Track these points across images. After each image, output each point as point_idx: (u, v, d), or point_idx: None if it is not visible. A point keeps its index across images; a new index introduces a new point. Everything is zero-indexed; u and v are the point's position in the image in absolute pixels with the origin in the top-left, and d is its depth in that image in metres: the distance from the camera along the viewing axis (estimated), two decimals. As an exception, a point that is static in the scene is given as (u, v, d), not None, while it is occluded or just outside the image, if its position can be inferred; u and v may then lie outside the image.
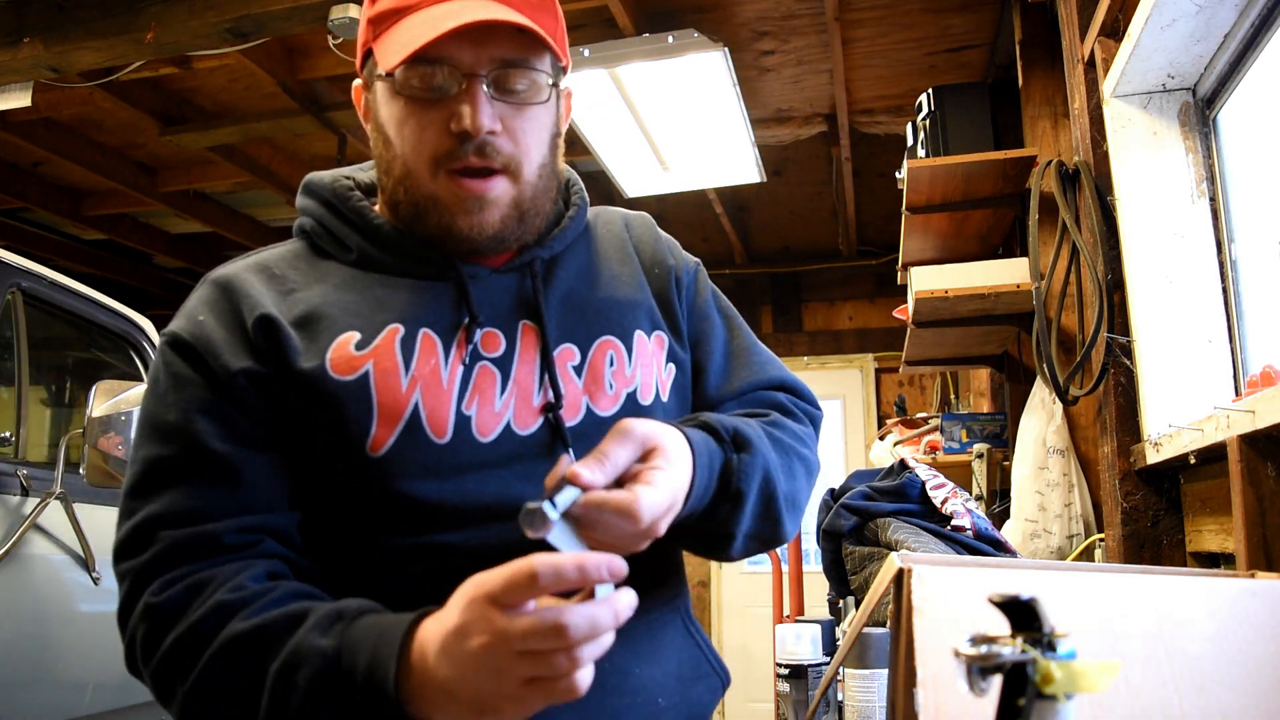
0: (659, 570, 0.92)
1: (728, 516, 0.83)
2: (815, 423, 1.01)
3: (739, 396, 0.97)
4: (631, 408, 0.89)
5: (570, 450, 0.85)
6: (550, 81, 0.86)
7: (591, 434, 0.84)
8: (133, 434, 0.84)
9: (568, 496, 0.67)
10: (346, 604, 0.73)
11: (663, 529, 0.73)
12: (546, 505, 0.66)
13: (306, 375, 0.80)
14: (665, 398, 0.93)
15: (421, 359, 0.83)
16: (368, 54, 0.88)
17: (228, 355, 0.81)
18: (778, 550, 3.14)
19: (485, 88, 0.82)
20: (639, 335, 0.92)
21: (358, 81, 0.92)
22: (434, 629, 0.67)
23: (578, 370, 0.88)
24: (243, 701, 0.71)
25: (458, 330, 0.85)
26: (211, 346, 0.82)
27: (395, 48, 0.82)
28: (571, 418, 0.87)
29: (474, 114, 0.80)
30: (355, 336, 0.83)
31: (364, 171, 0.96)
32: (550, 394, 0.86)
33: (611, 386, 0.89)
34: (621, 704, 0.83)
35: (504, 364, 0.86)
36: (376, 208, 0.92)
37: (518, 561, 0.62)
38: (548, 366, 0.86)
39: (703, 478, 0.79)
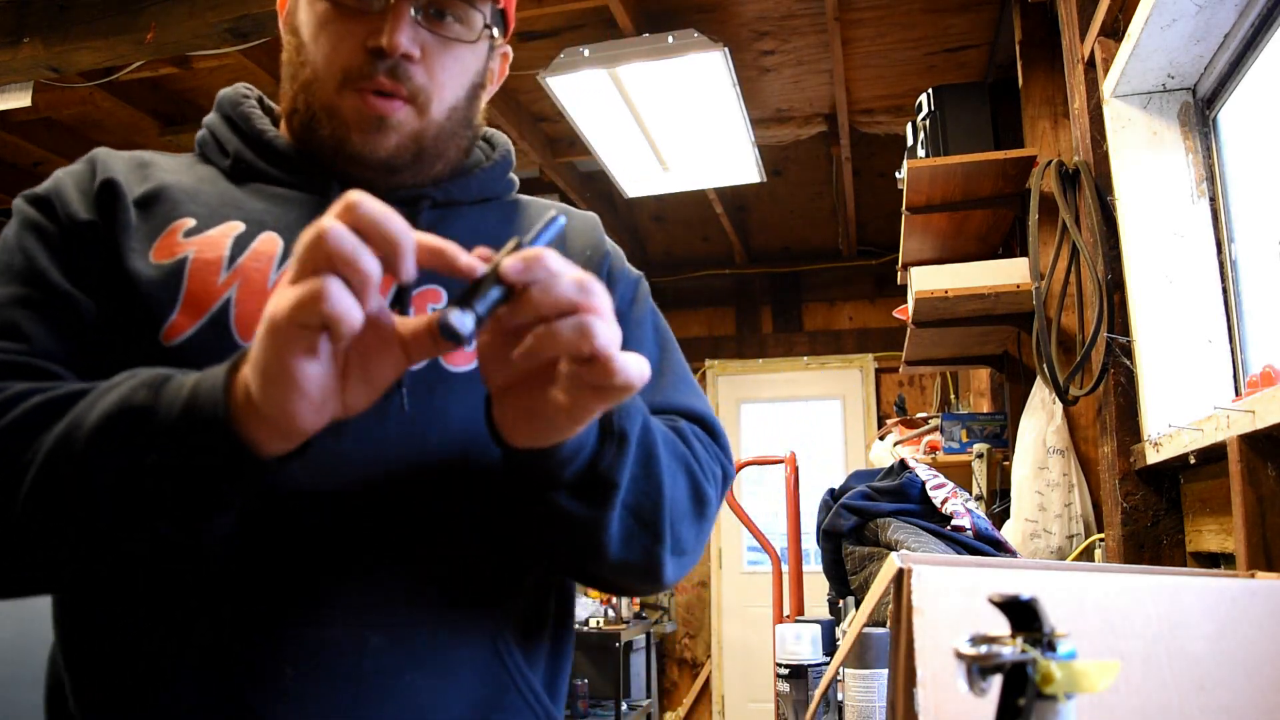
0: (470, 587, 0.76)
1: (613, 461, 0.68)
2: (724, 471, 0.84)
3: (655, 414, 0.82)
4: None
5: (404, 391, 0.73)
6: (485, 23, 0.82)
7: (430, 383, 0.75)
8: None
9: (490, 299, 0.54)
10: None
11: (625, 373, 0.56)
12: (456, 314, 0.52)
13: (126, 250, 0.76)
14: None
15: (251, 257, 0.76)
16: None
17: (76, 206, 0.78)
18: (777, 550, 3.14)
19: (412, 11, 0.77)
20: None
21: None
22: None
23: None
24: (19, 475, 0.61)
25: None
26: (63, 197, 0.78)
27: None
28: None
29: (392, 32, 0.76)
30: (189, 224, 0.78)
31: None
32: None
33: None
34: (388, 713, 0.70)
35: None
36: (281, 130, 0.87)
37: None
38: (399, 300, 0.77)
39: None
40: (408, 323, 0.57)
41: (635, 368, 0.57)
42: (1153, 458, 1.65)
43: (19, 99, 2.97)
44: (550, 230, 0.61)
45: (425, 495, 0.73)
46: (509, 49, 0.90)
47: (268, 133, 0.84)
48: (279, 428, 0.56)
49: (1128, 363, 1.81)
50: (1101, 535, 1.98)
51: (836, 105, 3.54)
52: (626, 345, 0.78)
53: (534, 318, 0.55)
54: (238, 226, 0.78)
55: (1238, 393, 1.68)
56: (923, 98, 2.77)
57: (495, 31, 0.84)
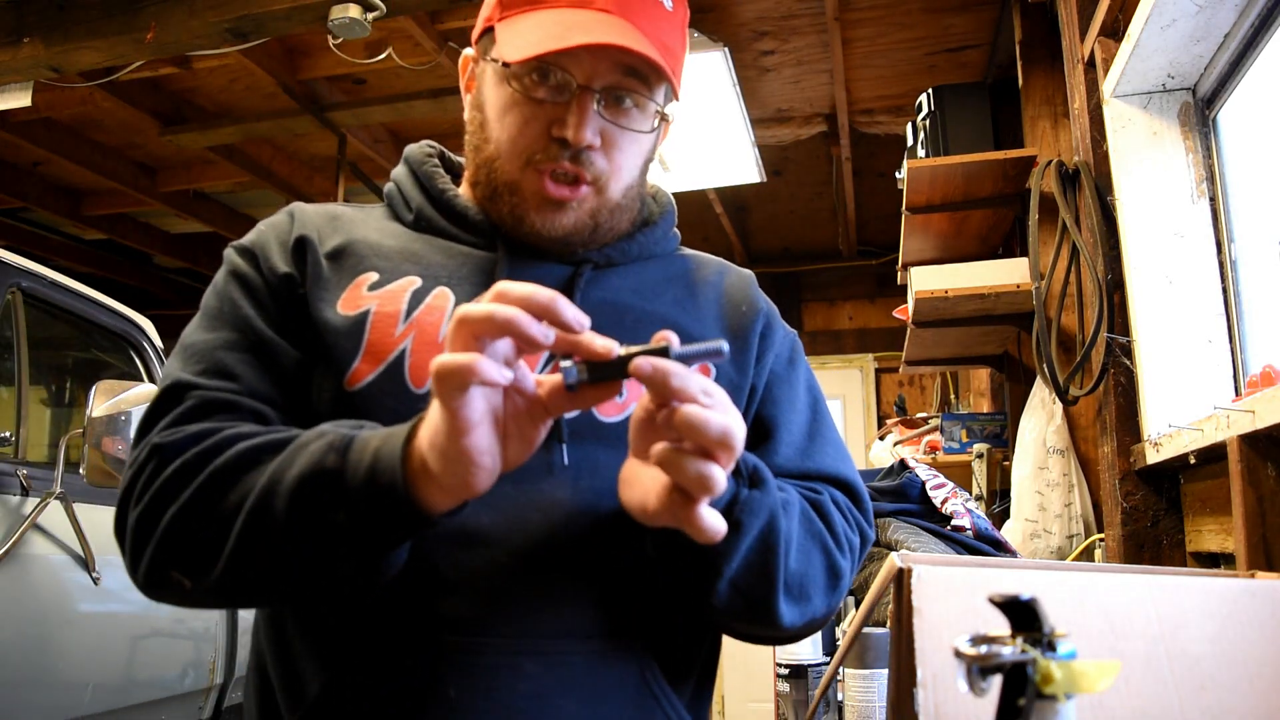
0: (620, 621, 0.81)
1: (719, 550, 0.72)
2: (864, 538, 0.90)
3: (804, 477, 0.89)
4: None
5: (564, 447, 0.80)
6: (658, 110, 0.87)
7: (585, 435, 0.81)
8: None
9: (607, 375, 0.64)
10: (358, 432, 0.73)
11: (736, 443, 0.63)
12: (573, 368, 0.63)
13: (317, 300, 0.84)
14: None
15: (425, 311, 0.83)
16: (488, 29, 0.88)
17: (276, 259, 0.86)
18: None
19: (595, 103, 0.83)
20: None
21: (469, 51, 0.93)
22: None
23: None
24: (230, 516, 0.70)
25: (475, 296, 0.84)
26: (265, 250, 0.87)
27: (520, 43, 0.82)
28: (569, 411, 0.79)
29: (578, 126, 0.82)
30: (373, 278, 0.85)
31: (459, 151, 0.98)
32: None
33: (623, 395, 0.80)
34: None
35: None
36: (462, 189, 0.94)
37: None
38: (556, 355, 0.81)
39: None
40: (545, 382, 0.66)
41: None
42: (1153, 458, 1.65)
43: (19, 99, 2.97)
44: (706, 354, 0.65)
45: (578, 534, 0.79)
46: (674, 113, 0.93)
47: (448, 192, 0.92)
48: (454, 493, 0.66)
49: (1128, 363, 1.81)
50: (1101, 535, 1.98)
51: (836, 105, 3.54)
52: (780, 404, 0.93)
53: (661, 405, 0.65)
54: (414, 281, 0.85)
55: (1238, 393, 1.68)
56: (923, 98, 2.77)
57: (667, 113, 0.89)
